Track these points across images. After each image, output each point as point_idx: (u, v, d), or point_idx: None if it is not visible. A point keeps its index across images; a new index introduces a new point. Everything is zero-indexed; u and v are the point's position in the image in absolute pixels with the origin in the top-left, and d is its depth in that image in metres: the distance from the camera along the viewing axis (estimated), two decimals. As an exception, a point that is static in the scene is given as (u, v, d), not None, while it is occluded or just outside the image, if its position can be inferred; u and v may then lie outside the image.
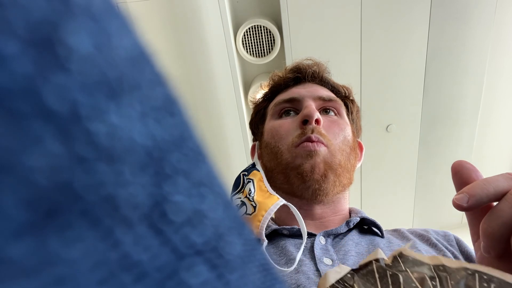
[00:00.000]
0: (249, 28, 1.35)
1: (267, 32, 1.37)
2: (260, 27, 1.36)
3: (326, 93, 0.61)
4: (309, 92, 0.60)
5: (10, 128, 0.07)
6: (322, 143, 0.53)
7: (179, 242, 0.09)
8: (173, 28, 1.31)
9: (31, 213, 0.07)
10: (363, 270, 0.29)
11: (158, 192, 0.09)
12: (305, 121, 0.55)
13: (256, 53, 1.41)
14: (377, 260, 0.30)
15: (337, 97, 0.63)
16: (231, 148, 1.56)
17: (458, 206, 0.28)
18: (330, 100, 0.60)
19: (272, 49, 1.40)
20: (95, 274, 0.08)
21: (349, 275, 0.29)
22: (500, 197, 0.28)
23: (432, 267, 0.28)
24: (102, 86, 0.08)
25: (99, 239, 0.08)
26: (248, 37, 1.37)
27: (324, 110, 0.60)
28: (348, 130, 0.59)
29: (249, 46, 1.39)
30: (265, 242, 0.46)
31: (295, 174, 0.53)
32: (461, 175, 0.31)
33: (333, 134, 0.56)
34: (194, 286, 0.09)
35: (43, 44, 0.08)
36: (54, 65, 0.08)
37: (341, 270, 0.29)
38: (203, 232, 0.09)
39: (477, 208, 0.28)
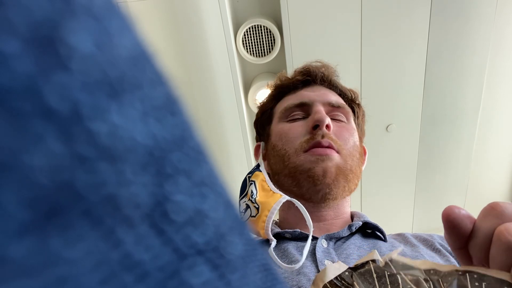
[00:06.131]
0: (249, 28, 1.35)
1: (267, 32, 1.37)
2: (260, 26, 1.36)
3: (335, 98, 0.61)
4: (318, 97, 0.59)
5: (11, 127, 0.07)
6: (334, 149, 0.53)
7: (180, 241, 0.09)
8: (173, 27, 1.30)
9: (32, 213, 0.07)
10: (360, 269, 0.29)
11: (159, 192, 0.09)
12: (315, 126, 0.54)
13: (256, 53, 1.41)
14: (373, 261, 0.30)
15: (344, 100, 0.62)
16: (231, 148, 1.56)
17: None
18: (339, 106, 0.59)
19: (272, 49, 1.40)
20: (97, 274, 0.08)
21: (347, 273, 0.29)
22: (490, 237, 0.27)
23: (423, 271, 0.28)
24: (103, 86, 0.08)
25: (100, 239, 0.08)
26: (248, 37, 1.37)
27: (333, 116, 0.59)
28: (356, 136, 0.59)
29: (249, 45, 1.39)
30: (274, 241, 0.46)
31: (305, 177, 0.52)
32: (450, 222, 0.30)
33: (343, 140, 0.55)
34: (195, 286, 0.09)
35: (45, 43, 0.08)
36: (55, 65, 0.08)
37: (340, 267, 0.29)
38: (205, 232, 0.09)
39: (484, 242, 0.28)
